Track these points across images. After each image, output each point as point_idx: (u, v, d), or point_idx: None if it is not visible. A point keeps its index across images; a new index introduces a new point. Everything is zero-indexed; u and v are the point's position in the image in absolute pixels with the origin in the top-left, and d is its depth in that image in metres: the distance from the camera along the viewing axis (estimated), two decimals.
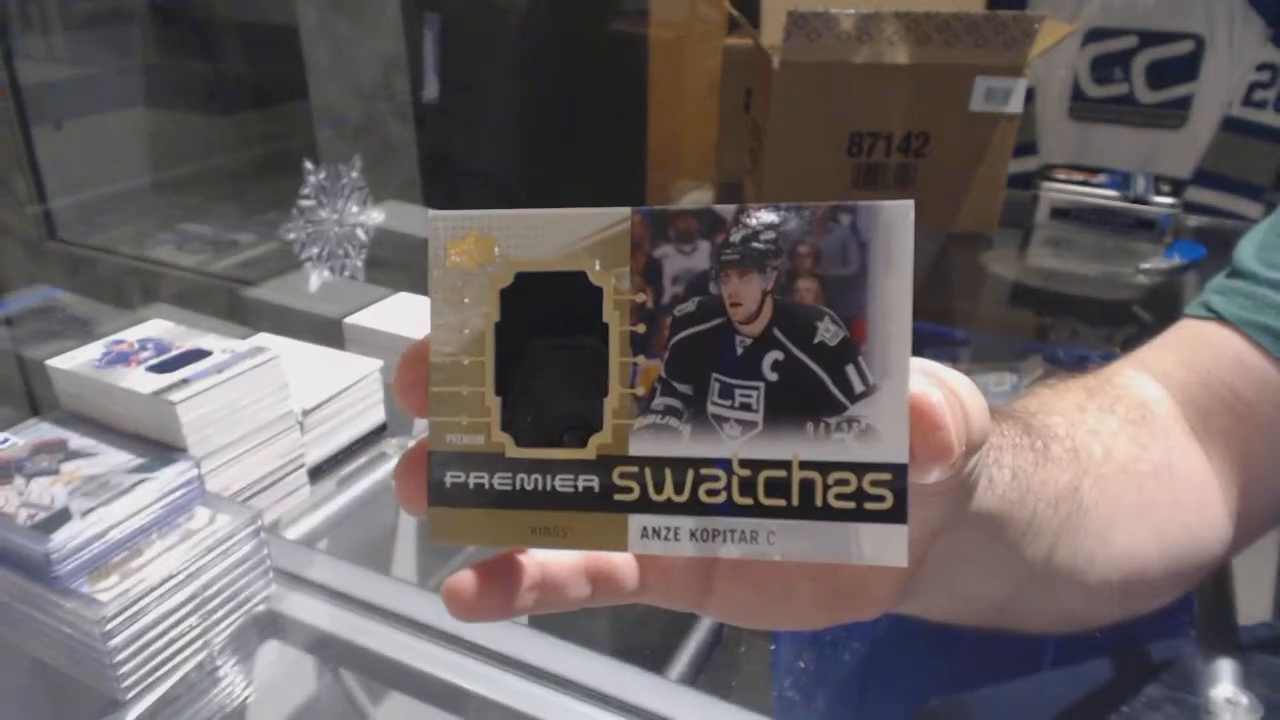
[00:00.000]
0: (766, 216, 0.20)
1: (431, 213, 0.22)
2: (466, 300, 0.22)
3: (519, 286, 0.22)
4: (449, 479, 0.22)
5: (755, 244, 0.20)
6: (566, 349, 0.22)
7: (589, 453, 0.21)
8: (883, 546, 0.20)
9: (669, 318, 0.21)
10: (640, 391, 0.21)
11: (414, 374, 0.23)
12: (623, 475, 0.21)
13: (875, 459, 0.20)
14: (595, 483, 0.21)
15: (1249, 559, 0.51)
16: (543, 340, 0.22)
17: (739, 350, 0.20)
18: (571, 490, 0.21)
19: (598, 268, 0.21)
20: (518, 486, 0.22)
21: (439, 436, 0.22)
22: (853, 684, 0.64)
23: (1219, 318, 0.45)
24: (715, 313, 0.21)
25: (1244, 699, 0.49)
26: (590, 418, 0.21)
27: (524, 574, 0.25)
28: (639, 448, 0.21)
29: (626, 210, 0.21)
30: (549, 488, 0.21)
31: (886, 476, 0.20)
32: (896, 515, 0.20)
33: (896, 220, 0.19)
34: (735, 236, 0.20)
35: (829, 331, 0.20)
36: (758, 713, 0.52)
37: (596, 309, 0.21)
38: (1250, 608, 0.61)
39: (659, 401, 0.21)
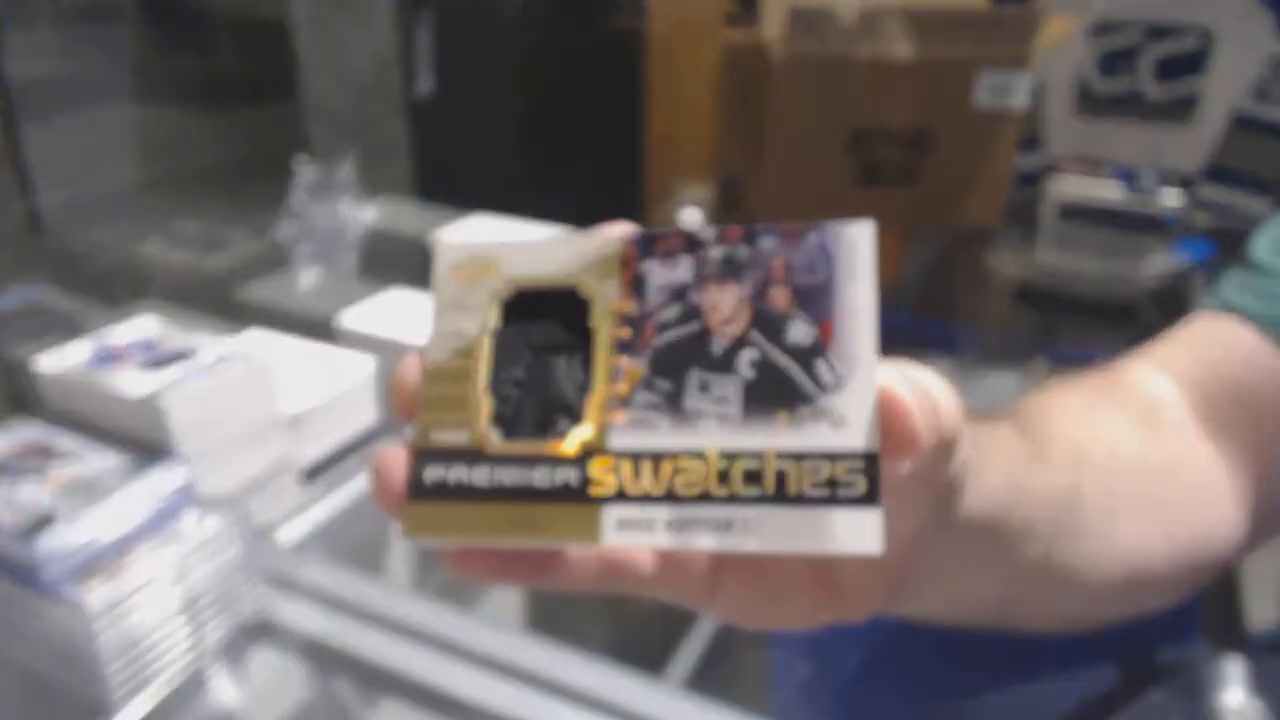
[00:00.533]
0: (743, 235, 0.22)
1: (440, 244, 0.24)
2: (464, 311, 0.24)
3: (515, 298, 0.23)
4: (429, 475, 0.23)
5: (733, 258, 0.22)
6: (554, 352, 0.23)
7: (570, 448, 0.22)
8: (857, 532, 0.20)
9: (653, 322, 0.22)
10: (623, 389, 0.22)
11: (410, 382, 0.23)
12: (601, 468, 0.22)
13: (847, 446, 0.21)
14: (573, 476, 0.22)
15: (1258, 563, 0.51)
16: (532, 345, 0.23)
17: (717, 351, 0.22)
18: (549, 485, 0.22)
19: (590, 281, 0.23)
20: (496, 482, 0.22)
21: (423, 435, 0.23)
22: (853, 689, 0.64)
23: (1233, 312, 0.44)
24: (696, 317, 0.22)
25: (1253, 706, 0.49)
26: (574, 416, 0.22)
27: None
28: (618, 442, 0.22)
29: (618, 235, 0.23)
30: (528, 483, 0.22)
31: (859, 463, 0.21)
32: (869, 499, 0.20)
33: (859, 238, 0.22)
34: (715, 253, 0.22)
35: (800, 331, 0.22)
36: (757, 718, 0.51)
37: (586, 317, 0.23)
38: (1259, 613, 0.60)
39: (640, 397, 0.22)
